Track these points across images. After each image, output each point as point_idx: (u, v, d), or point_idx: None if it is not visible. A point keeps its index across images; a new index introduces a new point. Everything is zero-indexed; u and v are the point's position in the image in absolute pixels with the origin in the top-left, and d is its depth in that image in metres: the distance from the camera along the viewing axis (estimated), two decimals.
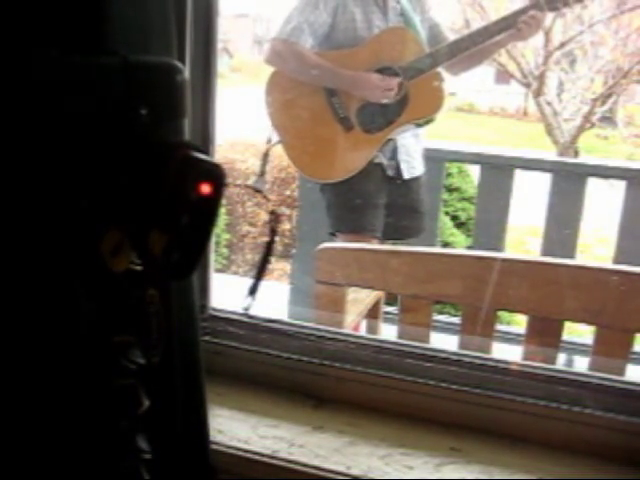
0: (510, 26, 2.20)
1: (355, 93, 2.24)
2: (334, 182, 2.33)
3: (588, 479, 0.81)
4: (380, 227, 2.36)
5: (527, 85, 4.66)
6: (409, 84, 2.22)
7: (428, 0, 2.37)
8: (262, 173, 2.39)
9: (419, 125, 2.34)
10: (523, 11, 2.17)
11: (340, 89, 2.24)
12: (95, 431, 0.63)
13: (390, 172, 2.33)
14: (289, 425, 0.89)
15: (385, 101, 2.23)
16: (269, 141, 2.32)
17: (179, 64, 0.65)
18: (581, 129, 4.63)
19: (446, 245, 3.54)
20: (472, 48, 2.23)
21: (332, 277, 1.36)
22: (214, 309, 1.01)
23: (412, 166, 2.36)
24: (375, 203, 2.34)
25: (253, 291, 0.91)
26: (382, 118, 2.26)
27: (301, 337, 0.97)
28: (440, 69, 2.29)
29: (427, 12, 2.34)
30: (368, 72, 2.23)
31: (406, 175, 2.34)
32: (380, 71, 2.23)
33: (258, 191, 2.67)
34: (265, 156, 2.35)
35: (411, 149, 2.35)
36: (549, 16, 3.84)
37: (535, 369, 0.90)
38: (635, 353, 1.34)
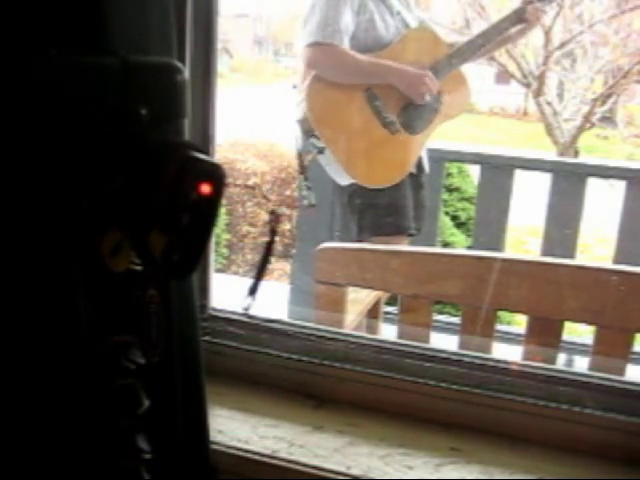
0: (519, 20, 2.26)
1: (403, 88, 2.23)
2: (367, 187, 2.30)
3: (588, 479, 0.81)
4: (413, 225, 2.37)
5: (527, 85, 4.66)
6: (441, 83, 2.25)
7: None
8: (308, 187, 2.29)
9: None
10: (528, 3, 2.23)
11: (385, 88, 2.22)
12: (95, 431, 0.64)
13: (413, 169, 2.34)
14: (289, 425, 0.89)
15: (427, 99, 2.24)
16: (306, 151, 2.21)
17: (179, 64, 0.65)
18: (581, 129, 4.64)
19: (446, 245, 3.54)
20: (487, 45, 2.29)
21: (332, 277, 1.36)
22: (214, 309, 1.01)
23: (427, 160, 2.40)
24: (407, 203, 2.33)
25: (253, 291, 0.91)
26: (422, 118, 2.28)
27: (301, 337, 0.97)
28: None
29: (413, 10, 2.36)
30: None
31: (427, 169, 2.37)
32: None
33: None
34: (305, 168, 2.24)
35: None
36: (549, 15, 3.86)
37: (535, 369, 0.90)
38: (635, 353, 1.35)
